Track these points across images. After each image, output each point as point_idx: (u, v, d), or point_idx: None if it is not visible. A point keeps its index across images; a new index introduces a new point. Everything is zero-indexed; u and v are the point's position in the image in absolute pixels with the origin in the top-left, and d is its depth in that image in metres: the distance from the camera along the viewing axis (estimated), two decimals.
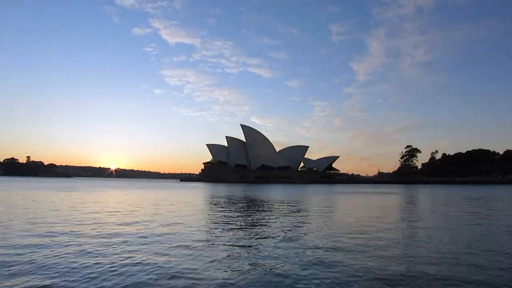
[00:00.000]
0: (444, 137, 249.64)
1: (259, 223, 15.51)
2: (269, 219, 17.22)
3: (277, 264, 8.01)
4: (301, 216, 18.45)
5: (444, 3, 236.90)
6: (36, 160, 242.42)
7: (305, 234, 12.41)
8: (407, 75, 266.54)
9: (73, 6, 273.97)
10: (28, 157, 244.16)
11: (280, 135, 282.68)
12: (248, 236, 11.88)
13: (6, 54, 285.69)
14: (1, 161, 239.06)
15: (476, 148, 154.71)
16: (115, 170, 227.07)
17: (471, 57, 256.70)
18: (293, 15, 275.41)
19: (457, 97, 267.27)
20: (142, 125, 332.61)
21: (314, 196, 41.90)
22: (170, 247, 9.85)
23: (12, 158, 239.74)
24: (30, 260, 8.09)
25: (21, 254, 8.73)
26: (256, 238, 11.55)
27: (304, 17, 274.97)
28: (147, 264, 7.96)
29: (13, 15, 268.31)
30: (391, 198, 39.24)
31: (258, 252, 9.37)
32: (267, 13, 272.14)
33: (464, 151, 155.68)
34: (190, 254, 8.95)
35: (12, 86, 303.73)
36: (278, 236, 11.78)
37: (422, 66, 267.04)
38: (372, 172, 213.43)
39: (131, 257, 8.58)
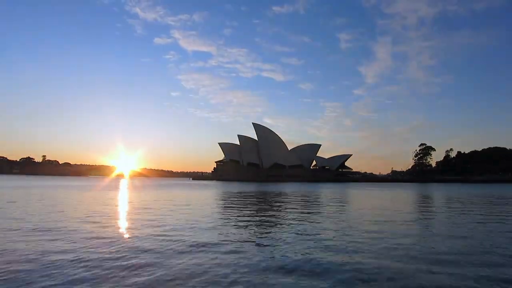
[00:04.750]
0: (455, 136, 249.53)
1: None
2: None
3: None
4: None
5: (444, 15, 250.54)
6: (52, 159, 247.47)
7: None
8: (415, 77, 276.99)
9: (101, 18, 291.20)
10: (44, 156, 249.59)
11: (292, 135, 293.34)
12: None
13: (33, 55, 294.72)
14: (18, 160, 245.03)
15: (491, 146, 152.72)
16: (129, 168, 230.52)
17: (476, 60, 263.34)
18: (304, 26, 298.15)
19: (466, 97, 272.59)
20: (157, 125, 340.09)
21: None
22: None
23: (28, 157, 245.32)
24: None
25: None
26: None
27: (314, 28, 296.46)
28: None
29: (47, 22, 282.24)
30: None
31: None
32: (280, 24, 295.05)
33: (476, 149, 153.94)
34: None
35: (33, 88, 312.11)
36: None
37: (429, 69, 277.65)
38: (384, 170, 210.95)
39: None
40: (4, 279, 6.78)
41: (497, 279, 7.02)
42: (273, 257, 8.87)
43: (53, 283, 6.55)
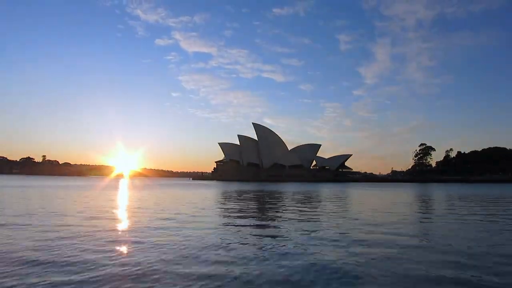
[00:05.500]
0: (455, 136, 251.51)
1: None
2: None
3: None
4: None
5: (442, 16, 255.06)
6: (52, 159, 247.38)
7: None
8: (414, 78, 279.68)
9: (103, 20, 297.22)
10: (44, 156, 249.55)
11: (292, 135, 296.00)
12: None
13: (33, 55, 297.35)
14: (18, 160, 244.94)
15: (491, 146, 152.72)
16: (129, 168, 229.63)
17: (475, 61, 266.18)
18: (304, 27, 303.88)
19: (465, 97, 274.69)
20: (157, 125, 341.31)
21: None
22: None
23: (28, 157, 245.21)
24: None
25: None
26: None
27: (314, 29, 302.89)
28: None
29: (49, 23, 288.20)
30: None
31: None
32: (281, 26, 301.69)
33: (476, 149, 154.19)
34: None
35: (33, 88, 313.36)
36: None
37: (428, 70, 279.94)
38: (384, 170, 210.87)
39: None
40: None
41: None
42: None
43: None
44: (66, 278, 6.36)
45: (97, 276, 6.51)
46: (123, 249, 9.05)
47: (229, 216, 17.06)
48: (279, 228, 12.98)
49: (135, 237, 10.68)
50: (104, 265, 7.28)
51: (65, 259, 7.73)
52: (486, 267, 7.50)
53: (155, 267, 7.20)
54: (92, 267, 7.16)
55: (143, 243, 9.61)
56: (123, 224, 13.78)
